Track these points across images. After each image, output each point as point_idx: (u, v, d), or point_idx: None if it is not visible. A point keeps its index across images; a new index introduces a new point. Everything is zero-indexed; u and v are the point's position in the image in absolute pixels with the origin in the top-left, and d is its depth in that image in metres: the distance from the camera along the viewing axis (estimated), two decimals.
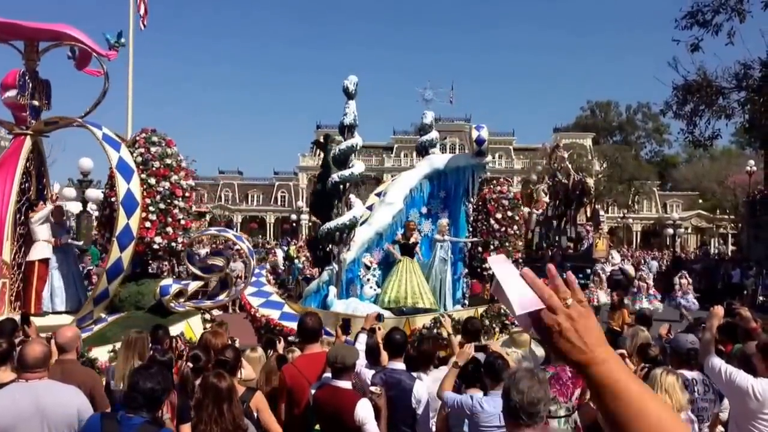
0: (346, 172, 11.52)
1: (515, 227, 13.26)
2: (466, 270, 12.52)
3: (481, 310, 10.54)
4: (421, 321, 9.89)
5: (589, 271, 25.24)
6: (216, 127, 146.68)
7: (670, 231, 40.53)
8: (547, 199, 30.70)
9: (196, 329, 9.07)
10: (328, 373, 4.76)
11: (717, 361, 4.56)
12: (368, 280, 11.64)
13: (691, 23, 18.79)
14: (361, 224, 11.77)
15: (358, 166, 11.83)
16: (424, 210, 12.40)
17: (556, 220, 29.57)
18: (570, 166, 30.49)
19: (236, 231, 23.95)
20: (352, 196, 12.35)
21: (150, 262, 11.19)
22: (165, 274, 13.62)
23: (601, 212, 30.54)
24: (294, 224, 53.32)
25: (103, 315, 9.43)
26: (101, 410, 4.40)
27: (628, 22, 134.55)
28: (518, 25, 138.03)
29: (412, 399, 5.06)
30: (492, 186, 13.96)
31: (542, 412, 3.09)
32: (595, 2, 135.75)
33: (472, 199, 12.42)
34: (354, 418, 4.33)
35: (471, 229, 12.56)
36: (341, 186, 11.61)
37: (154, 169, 10.24)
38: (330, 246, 11.40)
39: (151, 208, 10.11)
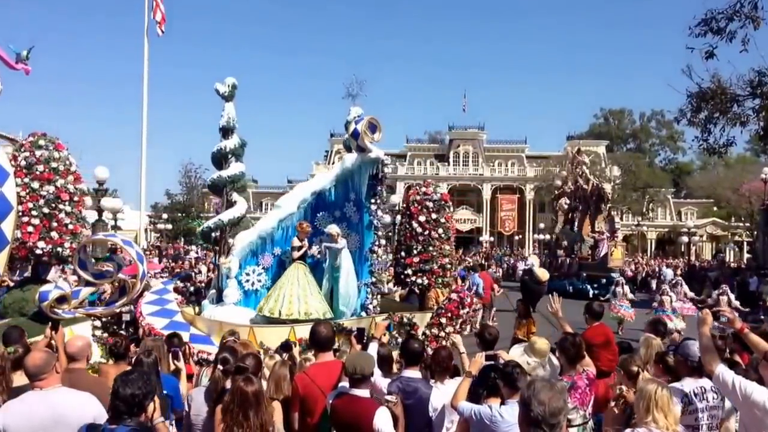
0: (223, 174, 12.00)
1: (440, 230, 12.19)
2: (371, 278, 11.27)
3: (379, 319, 10.05)
4: (306, 331, 9.52)
5: (604, 281, 25.13)
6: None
7: (685, 239, 40.14)
8: (565, 206, 30.62)
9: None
10: (343, 382, 4.75)
11: (728, 375, 4.46)
12: (231, 284, 11.26)
13: (705, 31, 18.64)
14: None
15: (234, 167, 12.16)
16: (337, 213, 11.64)
17: (573, 225, 29.43)
18: (588, 171, 30.38)
19: None
20: (235, 195, 12.55)
21: (43, 267, 10.99)
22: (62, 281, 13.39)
23: (617, 219, 30.34)
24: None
25: None
26: None
27: (641, 30, 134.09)
28: (531, 34, 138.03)
29: (429, 407, 5.06)
30: (417, 187, 12.90)
31: (562, 422, 3.11)
32: (608, 10, 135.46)
33: (376, 200, 11.17)
34: (373, 427, 4.33)
35: (379, 234, 11.24)
36: (220, 186, 12.08)
37: (38, 173, 10.18)
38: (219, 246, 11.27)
39: (34, 213, 10.04)
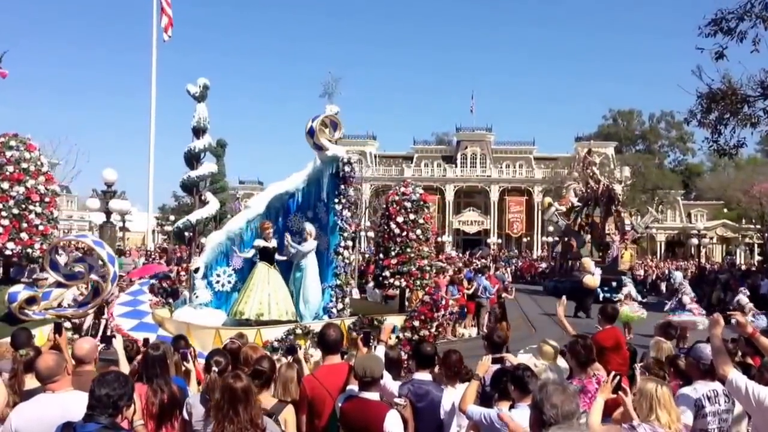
0: (191, 174, 12.14)
1: (418, 231, 11.98)
2: (336, 281, 10.88)
3: (348, 321, 10.07)
4: (273, 333, 9.40)
5: (615, 283, 24.90)
6: (236, 136, 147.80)
7: (695, 241, 39.86)
8: (574, 200, 30.32)
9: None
10: (352, 384, 4.74)
11: (741, 380, 4.42)
12: (199, 284, 11.19)
13: (715, 31, 18.48)
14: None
15: (204, 168, 12.32)
16: (309, 214, 11.40)
17: (582, 228, 29.17)
18: (598, 171, 30.14)
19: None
20: (208, 194, 12.56)
21: (18, 270, 10.91)
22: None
23: (627, 221, 30.05)
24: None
25: None
26: None
27: (650, 31, 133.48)
28: (539, 34, 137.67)
29: (440, 410, 5.03)
30: (396, 188, 12.63)
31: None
32: (617, 11, 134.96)
33: (340, 200, 10.81)
34: (383, 431, 4.32)
35: (345, 235, 10.87)
36: (190, 186, 12.26)
37: (8, 173, 10.14)
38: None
39: (3, 213, 10.05)
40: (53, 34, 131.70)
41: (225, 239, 11.30)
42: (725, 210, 63.16)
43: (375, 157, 70.49)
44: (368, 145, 70.35)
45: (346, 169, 10.72)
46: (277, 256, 10.93)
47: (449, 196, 67.80)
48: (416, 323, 9.89)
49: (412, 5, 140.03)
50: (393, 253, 11.91)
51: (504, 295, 18.92)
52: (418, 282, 11.90)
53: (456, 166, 68.86)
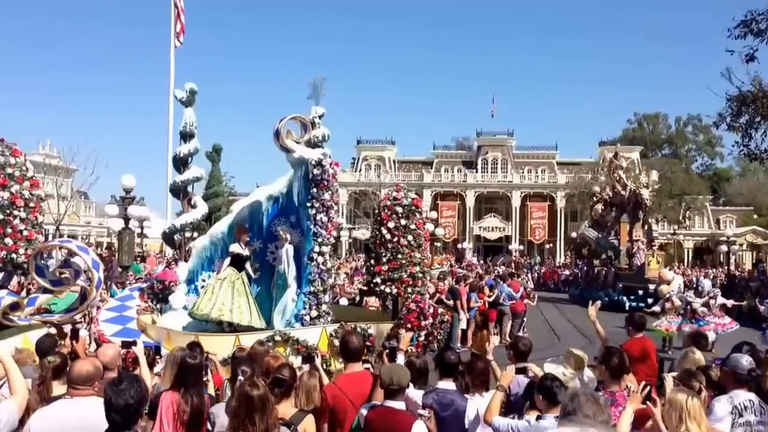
0: (177, 178, 12.28)
1: (410, 237, 11.69)
2: (310, 287, 10.45)
3: (330, 329, 9.89)
4: (251, 340, 9.00)
5: (641, 292, 24.33)
6: (254, 143, 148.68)
7: (724, 248, 38.98)
8: (599, 208, 29.90)
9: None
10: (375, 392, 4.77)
11: None
12: (179, 289, 11.13)
13: (745, 32, 18.04)
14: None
15: (190, 172, 12.51)
16: (293, 218, 11.00)
17: (611, 234, 28.68)
18: (624, 176, 29.63)
19: None
20: (196, 198, 12.55)
21: (6, 275, 10.94)
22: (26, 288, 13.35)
23: (654, 227, 29.51)
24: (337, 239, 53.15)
25: None
26: None
27: (677, 32, 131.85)
28: (561, 37, 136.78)
29: (465, 420, 4.99)
30: (389, 192, 12.42)
31: None
32: (642, 12, 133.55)
33: (313, 204, 10.38)
34: None
35: (319, 240, 10.38)
36: (177, 190, 12.35)
37: None
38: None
39: None
40: (71, 38, 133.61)
41: (209, 244, 11.22)
42: (755, 216, 62.02)
43: (394, 162, 70.28)
44: (387, 150, 70.18)
45: (315, 171, 10.32)
46: (248, 267, 10.70)
47: (470, 201, 67.32)
48: (402, 331, 9.66)
49: (433, 9, 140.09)
50: (384, 260, 11.70)
51: (526, 301, 18.64)
52: (410, 289, 11.57)
53: (477, 172, 68.31)
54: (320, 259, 10.28)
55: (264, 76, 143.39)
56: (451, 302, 16.19)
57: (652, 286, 24.47)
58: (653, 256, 26.70)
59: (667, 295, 16.38)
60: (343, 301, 15.17)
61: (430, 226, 27.76)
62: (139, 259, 23.67)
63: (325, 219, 10.33)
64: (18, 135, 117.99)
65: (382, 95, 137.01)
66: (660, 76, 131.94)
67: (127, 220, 18.50)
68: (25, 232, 10.36)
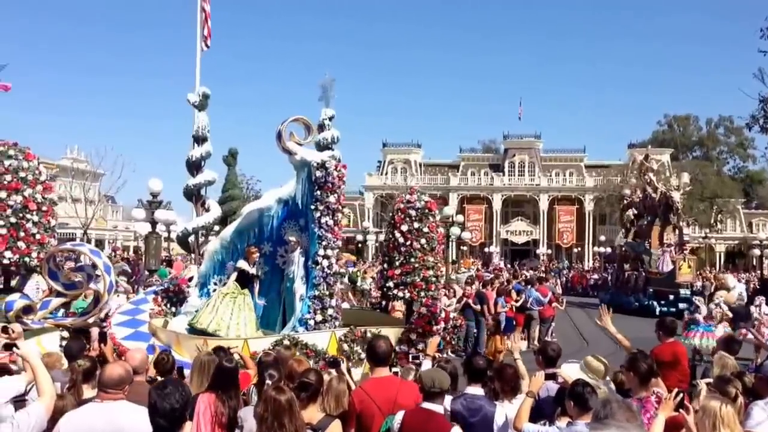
0: (189, 182, 12.42)
1: (423, 240, 11.47)
2: (315, 291, 10.21)
3: (339, 333, 9.73)
4: (260, 344, 9.07)
5: (672, 297, 23.83)
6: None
7: (757, 252, 38.23)
8: (630, 213, 29.46)
9: (49, 347, 8.42)
10: (401, 399, 4.82)
11: None
12: (191, 293, 11.13)
13: None
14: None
15: (203, 175, 12.57)
16: (302, 221, 10.72)
17: (642, 238, 28.21)
18: (655, 178, 29.15)
19: None
20: (210, 201, 12.61)
21: (23, 279, 11.07)
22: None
23: (685, 230, 28.95)
24: (360, 245, 53.13)
25: None
26: None
27: (708, 32, 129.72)
28: (589, 37, 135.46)
29: (494, 426, 4.96)
30: (403, 195, 12.19)
31: None
32: (672, 10, 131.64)
33: (317, 206, 10.18)
34: None
35: (323, 243, 10.17)
36: (189, 194, 12.53)
37: (6, 182, 10.23)
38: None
39: (0, 222, 10.12)
40: (97, 42, 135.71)
41: (220, 247, 11.20)
42: None
43: (420, 165, 70.18)
44: (413, 153, 70.09)
45: (318, 174, 10.15)
46: (255, 286, 10.71)
47: (497, 205, 66.92)
48: (413, 336, 9.49)
49: (459, 12, 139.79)
50: (397, 263, 11.55)
51: (554, 305, 18.38)
52: (423, 293, 11.42)
53: (503, 175, 67.89)
54: (325, 263, 10.11)
55: (290, 79, 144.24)
56: (478, 307, 16.00)
57: (683, 291, 23.98)
58: (684, 261, 26.17)
59: (717, 301, 15.65)
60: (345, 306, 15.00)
61: (456, 230, 27.54)
62: (165, 263, 23.81)
63: (330, 222, 10.16)
64: (46, 139, 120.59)
65: (408, 98, 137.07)
66: (690, 78, 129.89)
67: (153, 224, 18.62)
68: (38, 236, 10.48)
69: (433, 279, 11.67)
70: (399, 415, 4.63)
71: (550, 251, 64.70)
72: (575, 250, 65.53)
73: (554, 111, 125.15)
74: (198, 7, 17.25)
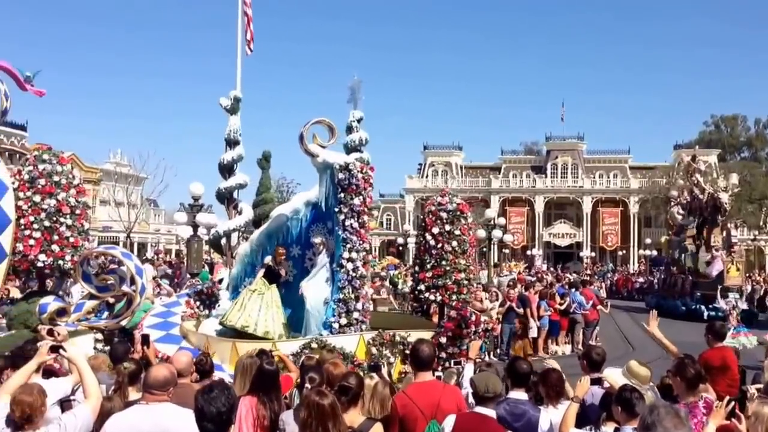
0: (221, 185, 12.60)
1: (455, 243, 11.34)
2: (340, 294, 10.12)
3: (368, 336, 9.59)
4: (289, 347, 9.02)
5: (723, 302, 23.15)
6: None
7: None
8: (679, 217, 28.77)
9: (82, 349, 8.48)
10: (444, 404, 4.80)
11: None
12: (222, 295, 11.24)
13: None
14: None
15: (234, 178, 12.83)
16: (330, 224, 10.61)
17: (690, 241, 27.51)
18: (702, 180, 28.40)
19: None
20: (242, 204, 12.75)
21: (59, 281, 11.25)
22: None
23: (733, 232, 28.10)
24: (401, 247, 53.07)
25: None
26: None
27: (756, 28, 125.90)
28: (633, 36, 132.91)
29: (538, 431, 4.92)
30: (434, 197, 12.07)
31: None
32: (718, 7, 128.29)
33: (341, 208, 10.07)
34: None
35: (348, 246, 10.09)
36: (221, 197, 12.72)
37: (40, 186, 10.32)
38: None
39: (35, 226, 10.18)
40: (137, 45, 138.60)
41: (250, 250, 11.28)
42: None
43: (461, 168, 69.88)
44: (454, 155, 69.84)
45: (341, 176, 10.08)
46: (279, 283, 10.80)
47: (539, 207, 66.18)
48: (443, 340, 9.36)
49: (499, 16, 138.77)
50: (428, 266, 11.46)
51: (599, 307, 18.10)
52: (455, 296, 11.30)
53: (546, 177, 67.09)
54: (350, 266, 10.05)
55: (338, 83, 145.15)
56: (521, 310, 15.82)
57: (731, 295, 23.30)
58: (732, 263, 25.45)
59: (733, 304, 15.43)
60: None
61: (498, 233, 27.27)
62: (207, 266, 24.10)
63: (355, 224, 10.09)
64: (90, 143, 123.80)
65: (449, 101, 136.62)
66: (737, 78, 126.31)
67: (195, 227, 18.81)
68: (72, 239, 10.62)
69: (465, 282, 11.59)
70: (450, 419, 4.59)
71: (593, 254, 63.72)
72: (620, 253, 64.38)
73: (598, 113, 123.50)
74: (239, 11, 17.39)
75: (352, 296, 10.03)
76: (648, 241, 50.37)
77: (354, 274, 10.08)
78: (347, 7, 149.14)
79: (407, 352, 9.37)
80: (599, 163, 68.36)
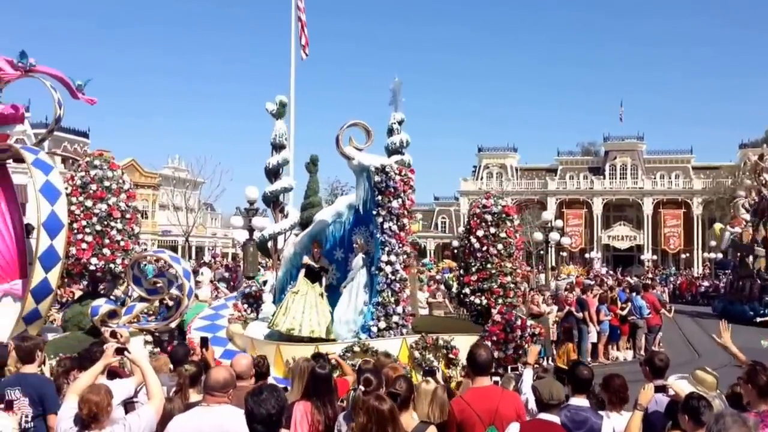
0: (266, 189, 12.80)
1: (500, 246, 11.16)
2: (378, 298, 10.02)
3: (410, 340, 9.36)
4: (331, 350, 8.81)
5: None
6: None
7: None
8: (747, 216, 27.57)
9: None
10: (503, 409, 4.78)
11: None
12: (266, 298, 11.30)
13: None
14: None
15: (279, 182, 13.00)
16: (371, 227, 10.51)
17: (760, 243, 26.33)
18: None
19: None
20: (288, 207, 12.82)
21: (110, 284, 11.42)
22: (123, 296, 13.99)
23: None
24: (455, 250, 52.66)
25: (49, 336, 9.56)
26: None
27: None
28: (694, 32, 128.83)
29: None
30: (478, 200, 11.90)
31: None
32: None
33: (378, 211, 10.00)
34: None
35: (386, 249, 9.98)
36: (267, 201, 12.91)
37: (91, 191, 10.55)
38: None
39: (87, 230, 10.40)
40: (197, 49, 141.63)
41: (294, 254, 11.33)
42: None
43: (516, 170, 69.09)
44: (509, 157, 69.22)
45: (377, 179, 10.01)
46: (322, 280, 10.86)
47: (597, 209, 64.80)
48: (488, 344, 9.12)
49: (555, 18, 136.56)
50: (473, 270, 11.30)
51: (662, 311, 17.53)
52: (500, 300, 11.08)
53: (604, 178, 65.66)
54: (388, 269, 9.94)
55: (378, 85, 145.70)
56: (580, 314, 15.45)
57: None
58: None
59: None
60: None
61: (555, 235, 26.74)
62: (262, 270, 24.45)
63: (394, 227, 9.99)
64: (150, 149, 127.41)
65: (504, 103, 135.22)
66: None
67: (251, 231, 19.10)
68: (122, 243, 10.88)
69: (511, 285, 11.36)
70: (514, 428, 4.54)
71: (655, 257, 61.93)
72: (683, 255, 62.32)
73: (658, 113, 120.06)
74: (293, 16, 17.63)
75: (392, 300, 9.94)
76: (713, 243, 48.58)
77: (393, 278, 10.00)
78: (405, 6, 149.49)
79: (450, 356, 9.29)
80: (660, 164, 66.62)
